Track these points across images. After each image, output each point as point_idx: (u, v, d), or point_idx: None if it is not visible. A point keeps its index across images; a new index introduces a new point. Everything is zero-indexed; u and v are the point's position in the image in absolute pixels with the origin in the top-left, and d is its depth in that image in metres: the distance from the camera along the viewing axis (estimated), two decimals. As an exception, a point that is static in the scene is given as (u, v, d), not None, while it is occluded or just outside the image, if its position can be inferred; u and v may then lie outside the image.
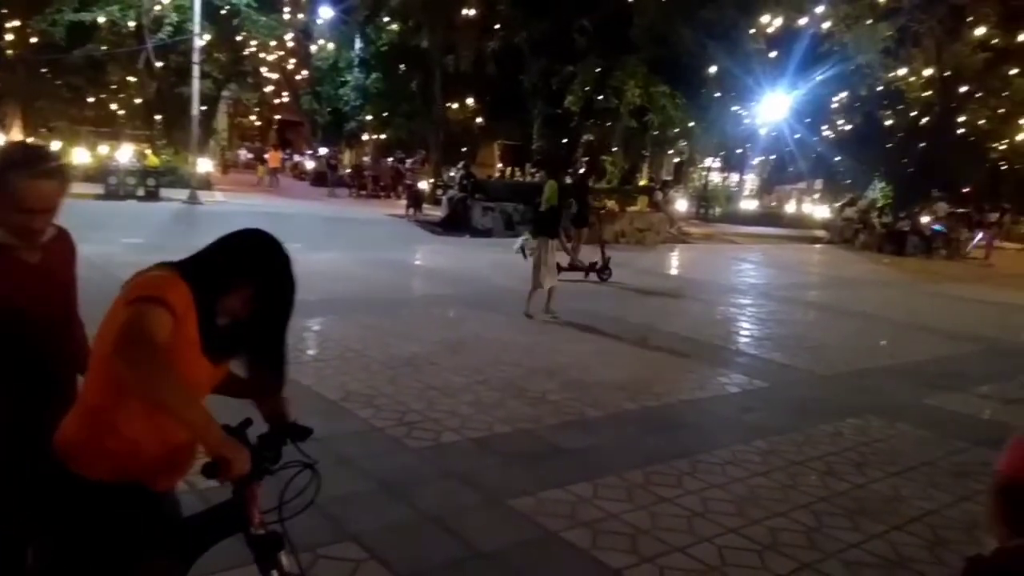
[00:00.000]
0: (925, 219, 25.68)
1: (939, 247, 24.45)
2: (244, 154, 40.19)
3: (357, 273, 11.69)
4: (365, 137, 38.89)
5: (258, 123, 49.35)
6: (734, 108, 28.07)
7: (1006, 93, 26.78)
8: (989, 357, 8.93)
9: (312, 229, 16.01)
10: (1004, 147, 31.05)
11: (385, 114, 33.63)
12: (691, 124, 24.71)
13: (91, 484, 1.81)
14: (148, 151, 25.34)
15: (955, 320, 11.75)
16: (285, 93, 43.10)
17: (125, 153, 23.91)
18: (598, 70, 21.07)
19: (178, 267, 1.87)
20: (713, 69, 23.20)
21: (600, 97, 21.74)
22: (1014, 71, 25.62)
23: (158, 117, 28.52)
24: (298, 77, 41.68)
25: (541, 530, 3.75)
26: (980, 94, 27.23)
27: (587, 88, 21.37)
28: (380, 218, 21.86)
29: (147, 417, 1.79)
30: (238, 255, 1.93)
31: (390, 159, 35.54)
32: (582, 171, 16.81)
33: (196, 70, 21.70)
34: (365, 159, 36.91)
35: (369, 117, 35.27)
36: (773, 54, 27.10)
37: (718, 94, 25.13)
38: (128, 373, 1.66)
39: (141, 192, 20.46)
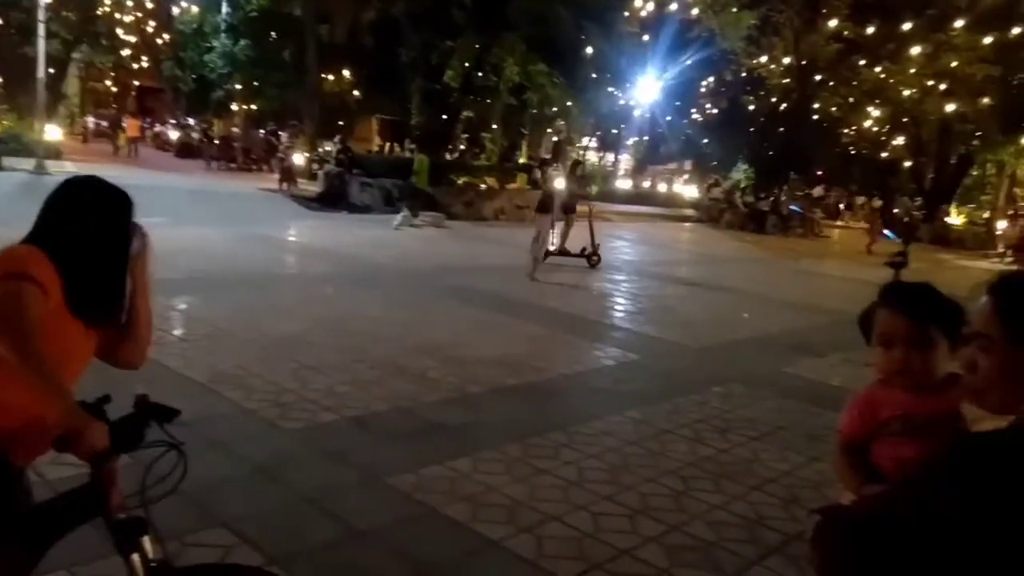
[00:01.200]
0: (783, 200, 27.41)
1: (796, 226, 26.15)
2: (93, 121, 37.16)
3: (227, 250, 11.18)
4: (234, 107, 37.05)
5: (115, 89, 46.00)
6: (609, 89, 28.74)
7: (855, 82, 28.80)
8: (839, 327, 9.62)
9: (177, 203, 15.13)
10: (853, 133, 33.44)
11: (256, 83, 32.14)
12: (568, 104, 25.12)
13: None
14: (-13, 116, 23.12)
15: (810, 294, 12.62)
16: (145, 58, 40.38)
17: (-41, 118, 21.73)
18: (477, 46, 20.99)
19: (32, 239, 1.87)
20: (589, 50, 23.66)
21: (479, 74, 21.68)
22: (863, 62, 27.59)
23: (-1, 80, 26.08)
24: (159, 41, 39.15)
25: (421, 507, 3.74)
26: (832, 83, 29.16)
27: (466, 64, 21.25)
28: (252, 192, 20.97)
29: (12, 386, 1.72)
30: (63, 204, 1.93)
31: (262, 131, 34.10)
32: (576, 158, 16.57)
33: (41, 28, 19.91)
34: (235, 130, 35.19)
35: (238, 86, 33.61)
36: (645, 38, 27.97)
37: (594, 75, 25.64)
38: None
39: (-21, 161, 18.68)
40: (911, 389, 1.76)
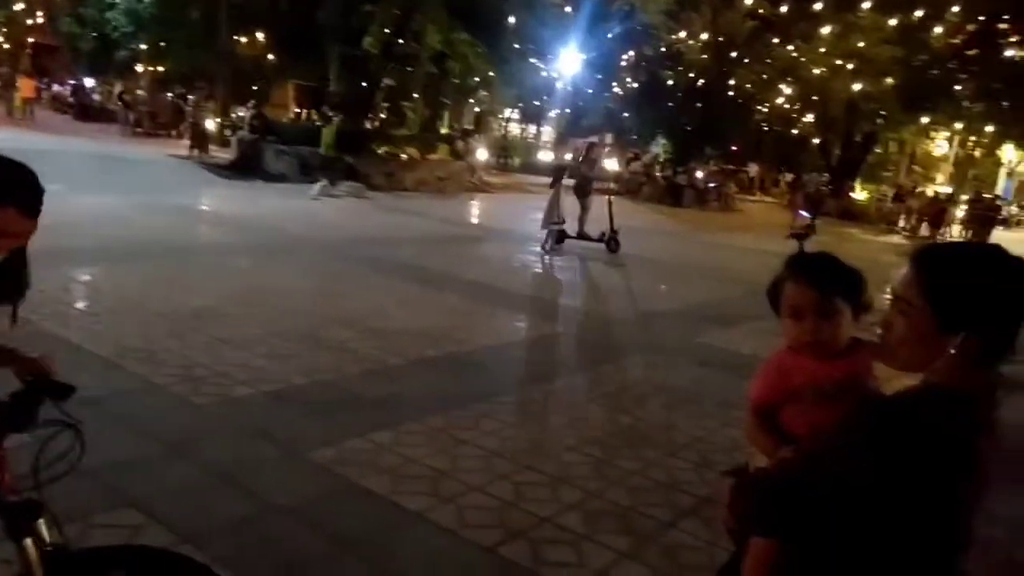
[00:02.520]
0: (700, 174, 28.08)
1: (711, 199, 26.85)
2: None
3: (134, 219, 10.66)
4: (139, 68, 35.16)
5: (7, 46, 42.96)
6: (532, 60, 28.64)
7: (769, 60, 29.61)
8: (751, 298, 9.94)
9: (78, 169, 14.31)
10: (766, 110, 34.43)
11: (162, 44, 30.52)
12: (491, 74, 24.92)
13: None
14: None
15: (724, 265, 13.00)
16: (40, 13, 37.79)
17: None
18: (398, 12, 20.52)
19: None
20: (512, 20, 23.47)
21: (400, 41, 21.21)
22: (776, 40, 28.36)
23: None
24: (55, -5, 36.72)
25: (340, 480, 3.69)
26: (747, 60, 29.90)
27: (386, 30, 20.75)
28: (160, 159, 20.02)
29: None
30: None
31: (170, 94, 32.51)
32: (592, 140, 15.75)
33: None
34: (140, 92, 33.42)
35: (143, 46, 31.86)
36: (568, 9, 27.92)
37: (517, 46, 25.49)
38: None
39: None
40: (819, 356, 1.81)
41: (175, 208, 12.30)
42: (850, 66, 26.95)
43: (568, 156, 14.41)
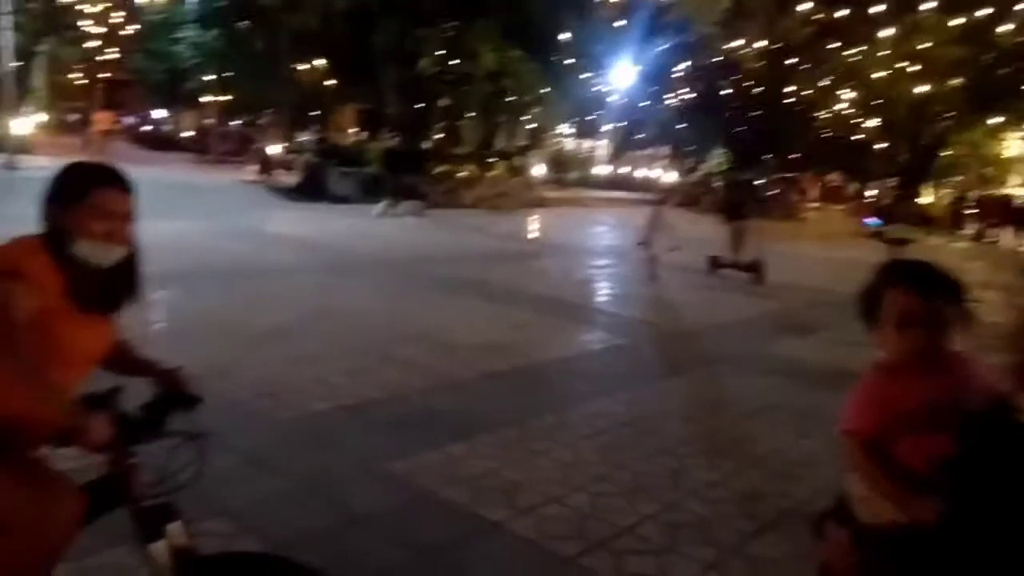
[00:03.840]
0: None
1: (775, 208, 26.36)
2: (68, 116, 36.43)
3: (209, 244, 11.05)
4: (206, 99, 36.51)
5: (83, 82, 45.14)
6: (585, 75, 28.70)
7: (828, 65, 29.01)
8: (825, 307, 9.73)
9: (154, 197, 14.79)
10: (827, 116, 33.69)
11: (228, 74, 31.65)
12: (545, 90, 25.07)
13: None
14: (-48, 111, 22.55)
15: (791, 275, 12.72)
16: (112, 49, 39.63)
17: (-76, 113, 21.20)
18: (451, 33, 20.88)
19: (37, 235, 1.82)
20: (565, 36, 23.59)
21: (455, 61, 21.55)
22: (835, 45, 27.78)
23: (-38, 73, 25.40)
24: (126, 32, 38.43)
25: (419, 491, 3.74)
26: (806, 66, 29.35)
27: (441, 52, 21.12)
28: (229, 185, 20.73)
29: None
30: (52, 187, 1.87)
31: (236, 122, 33.65)
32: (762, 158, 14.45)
33: (6, 21, 19.48)
34: (208, 122, 34.69)
35: (210, 77, 33.09)
36: (621, 23, 27.93)
37: (570, 61, 25.58)
38: None
39: (-53, 157, 18.28)
40: (926, 372, 1.69)
41: (246, 231, 12.70)
42: (914, 68, 26.21)
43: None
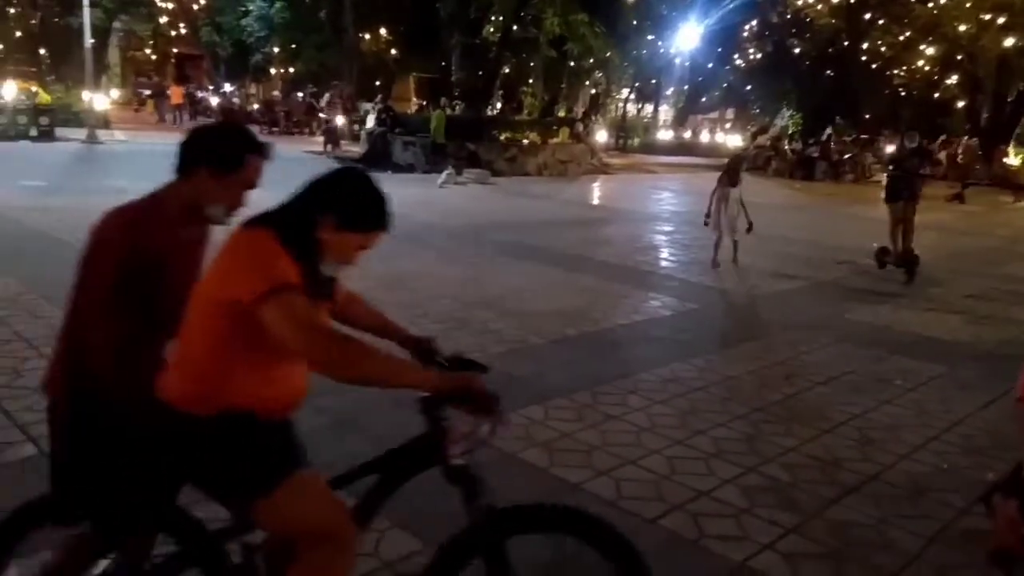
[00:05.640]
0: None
1: (847, 171, 25.49)
2: (144, 91, 37.59)
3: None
4: (273, 71, 37.17)
5: (154, 57, 46.44)
6: (650, 37, 28.12)
7: (907, 20, 27.69)
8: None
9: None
10: (904, 74, 32.26)
11: (293, 46, 32.14)
12: (608, 54, 24.67)
13: (202, 419, 1.86)
14: (37, 88, 23.56)
15: (865, 238, 12.33)
16: (182, 24, 40.60)
17: (10, 90, 22.17)
18: (515, -1, 20.76)
19: (267, 222, 1.84)
20: (629, -3, 23.21)
21: (518, 27, 21.37)
22: (915, -2, 26.49)
23: (43, 51, 26.47)
24: (195, 7, 39.27)
25: (500, 453, 3.82)
26: (883, 21, 28.08)
27: (504, 17, 20.95)
28: (297, 155, 21.08)
29: (262, 371, 1.89)
30: (313, 191, 1.93)
31: (301, 93, 34.17)
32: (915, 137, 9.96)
33: (85, -1, 20.12)
34: (275, 94, 35.34)
35: (276, 49, 33.66)
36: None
37: (635, 22, 25.10)
38: (324, 366, 1.81)
39: (34, 132, 19.11)
40: None
41: (315, 201, 12.95)
42: (1001, 20, 24.79)
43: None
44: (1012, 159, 31.05)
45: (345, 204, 1.88)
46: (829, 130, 27.37)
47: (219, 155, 2.00)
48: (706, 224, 9.46)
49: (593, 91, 38.60)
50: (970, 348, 6.40)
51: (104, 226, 2.04)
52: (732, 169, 9.48)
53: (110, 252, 2.00)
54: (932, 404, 4.95)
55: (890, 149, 31.22)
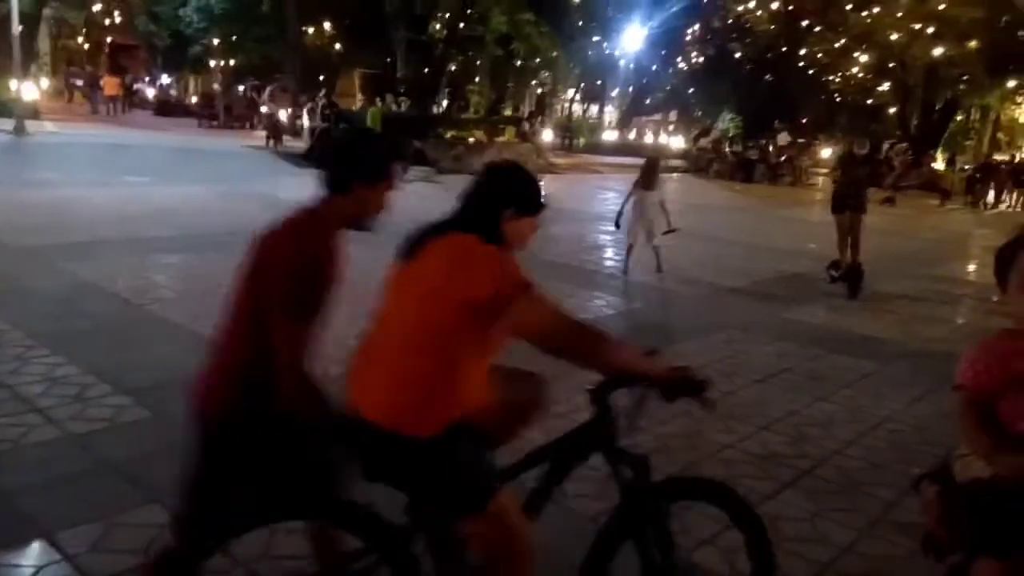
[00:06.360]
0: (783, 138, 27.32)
1: (784, 174, 26.17)
2: (76, 81, 36.24)
3: (220, 207, 11.06)
4: (212, 63, 36.25)
5: (87, 46, 44.84)
6: (596, 38, 28.41)
7: (842, 28, 28.58)
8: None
9: (161, 162, 14.93)
10: (839, 80, 33.29)
11: (234, 38, 31.42)
12: (554, 54, 24.82)
13: (428, 441, 1.90)
14: (-42, 76, 22.49)
15: (801, 240, 12.70)
16: (117, 13, 39.31)
17: (-71, 78, 21.16)
18: (462, -4, 20.73)
19: (464, 227, 2.02)
20: (575, -1, 23.41)
21: (465, 24, 21.33)
22: (850, 6, 27.33)
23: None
24: (131, -5, 38.08)
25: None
26: (819, 28, 28.93)
27: (451, 15, 20.89)
28: (238, 150, 20.66)
29: (476, 375, 2.00)
30: (487, 190, 2.09)
31: (242, 87, 33.44)
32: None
33: (12, -16, 19.28)
34: (215, 86, 34.50)
35: (216, 41, 32.85)
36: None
37: (580, 23, 25.32)
38: (569, 354, 1.96)
39: (-45, 122, 18.28)
40: None
41: (256, 196, 12.68)
42: (930, 30, 25.81)
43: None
44: (939, 164, 32.35)
45: (519, 193, 2.07)
46: (786, 136, 28.08)
47: (370, 168, 2.11)
48: (617, 227, 8.95)
49: (539, 91, 38.81)
50: (901, 346, 6.63)
51: (277, 238, 2.10)
52: (648, 172, 8.99)
53: (287, 263, 2.03)
54: (864, 400, 5.11)
55: (826, 154, 32.27)
